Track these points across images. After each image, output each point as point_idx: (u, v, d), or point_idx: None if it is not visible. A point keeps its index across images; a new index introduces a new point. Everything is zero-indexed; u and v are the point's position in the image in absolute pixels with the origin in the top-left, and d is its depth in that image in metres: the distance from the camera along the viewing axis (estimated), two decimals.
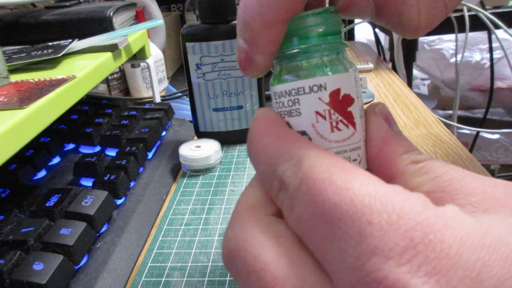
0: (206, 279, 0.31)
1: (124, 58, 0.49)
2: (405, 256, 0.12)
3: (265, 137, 0.17)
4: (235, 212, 0.17)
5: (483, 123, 1.09)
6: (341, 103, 0.17)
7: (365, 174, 0.14)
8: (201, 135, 0.51)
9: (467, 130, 0.83)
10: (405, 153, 0.17)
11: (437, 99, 1.55)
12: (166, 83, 0.73)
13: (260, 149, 0.17)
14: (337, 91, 0.17)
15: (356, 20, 0.96)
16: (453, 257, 0.12)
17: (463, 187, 0.15)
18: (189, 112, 0.52)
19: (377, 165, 0.17)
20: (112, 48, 0.46)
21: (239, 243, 0.15)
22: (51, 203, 0.33)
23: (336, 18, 0.18)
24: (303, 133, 0.17)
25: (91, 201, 0.33)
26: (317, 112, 0.17)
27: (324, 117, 0.17)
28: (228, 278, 0.30)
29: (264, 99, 0.50)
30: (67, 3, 0.54)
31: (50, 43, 0.46)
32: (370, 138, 0.18)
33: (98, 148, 0.46)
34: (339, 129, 0.17)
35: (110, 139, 0.46)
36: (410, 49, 0.90)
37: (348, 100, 0.17)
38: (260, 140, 0.17)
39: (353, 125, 0.17)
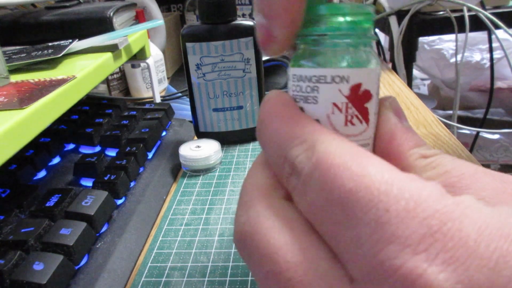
0: (206, 279, 0.31)
1: (124, 58, 0.49)
2: (423, 244, 0.12)
3: (277, 119, 0.16)
4: (245, 195, 0.17)
5: (483, 123, 1.09)
6: (359, 98, 0.17)
7: (380, 161, 0.14)
8: (201, 135, 0.51)
9: (467, 130, 0.83)
10: (414, 147, 0.16)
11: (437, 99, 1.55)
12: (166, 83, 0.73)
13: (271, 132, 0.16)
14: (358, 85, 0.16)
15: None
16: (471, 246, 0.11)
17: (474, 182, 0.15)
18: (189, 112, 0.52)
19: (386, 159, 0.17)
20: (112, 48, 0.46)
21: (252, 227, 0.15)
22: (51, 203, 0.33)
23: (369, 9, 0.17)
24: (316, 121, 0.17)
25: (91, 201, 0.33)
26: (334, 104, 0.17)
27: (340, 110, 0.17)
28: (228, 278, 0.31)
29: None
30: (67, 4, 0.54)
31: (50, 44, 0.46)
32: (379, 132, 0.17)
33: (98, 148, 0.46)
34: (352, 124, 0.17)
35: (110, 139, 0.46)
36: (410, 49, 0.90)
37: (367, 95, 0.17)
38: (271, 123, 0.16)
39: (367, 121, 0.17)
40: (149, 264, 0.33)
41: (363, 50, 0.17)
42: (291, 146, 0.15)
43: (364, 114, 0.17)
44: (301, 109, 0.17)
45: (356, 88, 0.16)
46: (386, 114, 0.17)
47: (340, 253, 0.13)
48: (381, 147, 0.17)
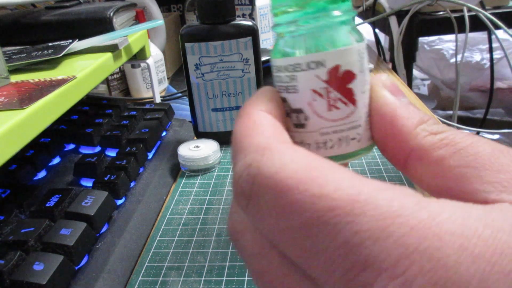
0: (203, 279, 0.31)
1: (124, 58, 0.50)
2: (399, 267, 0.11)
3: (240, 125, 0.15)
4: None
5: (483, 123, 1.09)
6: (340, 80, 0.16)
7: (340, 172, 0.12)
8: (200, 135, 0.51)
9: (467, 130, 0.83)
10: (419, 124, 0.15)
11: (437, 99, 1.56)
12: (166, 84, 0.73)
13: (233, 137, 0.15)
14: (336, 67, 0.15)
15: (356, 21, 0.96)
16: (450, 268, 0.11)
17: (491, 163, 0.13)
18: (189, 112, 0.52)
19: (391, 142, 0.16)
20: (112, 48, 0.46)
21: (241, 227, 0.15)
22: (51, 203, 0.34)
23: None
24: (299, 110, 0.16)
25: (91, 202, 0.33)
26: (313, 90, 0.16)
27: (321, 95, 0.16)
28: (224, 278, 0.31)
29: None
30: (67, 4, 0.54)
31: (50, 44, 0.46)
32: (378, 114, 0.16)
33: (98, 149, 0.46)
34: (337, 108, 0.16)
35: (110, 140, 0.46)
36: (410, 49, 0.90)
37: (349, 76, 0.16)
38: (235, 126, 0.15)
39: (353, 102, 0.16)
40: (146, 264, 0.33)
41: (340, 29, 0.16)
42: (236, 160, 0.14)
43: (348, 96, 0.16)
44: (284, 99, 0.17)
45: (334, 71, 0.16)
46: (381, 95, 0.16)
47: (312, 275, 0.12)
48: (383, 130, 0.16)
